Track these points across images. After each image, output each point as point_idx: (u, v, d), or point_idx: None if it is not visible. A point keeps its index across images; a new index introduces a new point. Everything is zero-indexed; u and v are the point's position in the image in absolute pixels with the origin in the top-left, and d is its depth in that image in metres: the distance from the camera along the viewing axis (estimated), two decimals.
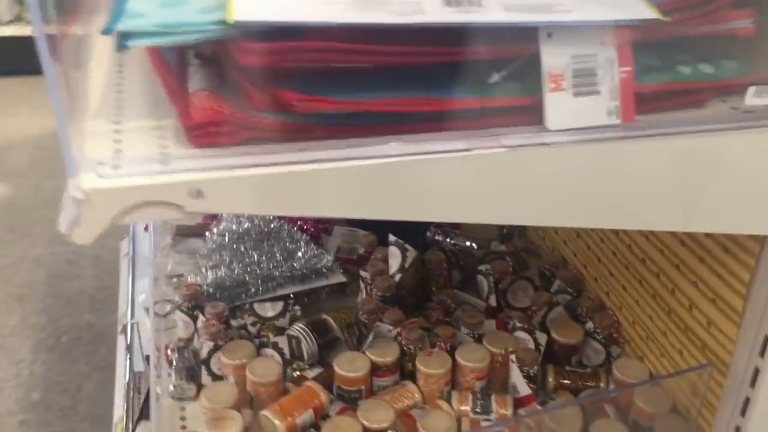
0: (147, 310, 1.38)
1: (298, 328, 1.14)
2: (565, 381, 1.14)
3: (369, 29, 0.63)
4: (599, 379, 1.13)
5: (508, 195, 0.68)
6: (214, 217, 1.53)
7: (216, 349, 1.12)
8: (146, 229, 2.38)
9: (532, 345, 1.16)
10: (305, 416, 1.01)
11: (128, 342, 1.82)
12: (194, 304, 1.20)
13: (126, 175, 0.60)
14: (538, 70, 0.67)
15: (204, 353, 1.13)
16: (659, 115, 0.73)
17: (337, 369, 1.08)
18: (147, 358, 1.75)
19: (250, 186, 0.61)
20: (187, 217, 0.66)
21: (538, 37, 0.67)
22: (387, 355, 1.11)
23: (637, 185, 0.71)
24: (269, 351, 1.13)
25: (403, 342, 1.13)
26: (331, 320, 1.17)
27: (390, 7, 0.64)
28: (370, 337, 1.13)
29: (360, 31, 0.63)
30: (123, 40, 0.62)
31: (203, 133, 0.64)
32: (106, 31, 0.62)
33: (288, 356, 1.13)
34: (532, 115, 0.69)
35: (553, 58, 0.67)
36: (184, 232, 1.50)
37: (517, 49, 0.67)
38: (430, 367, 1.09)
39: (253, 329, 1.18)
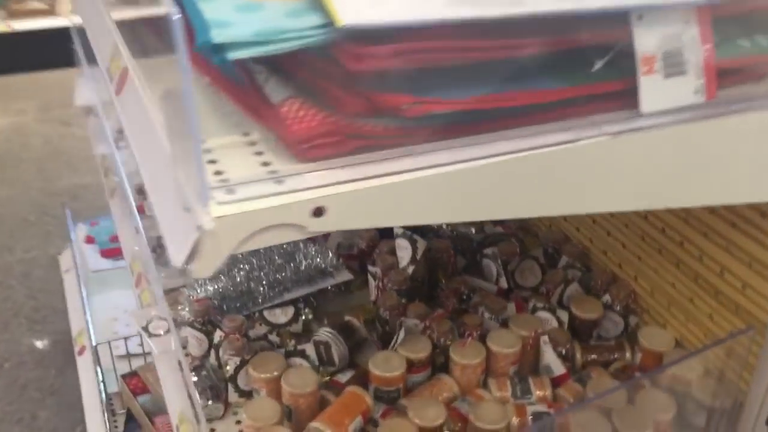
0: (146, 329, 1.30)
1: (325, 333, 1.10)
2: (592, 356, 1.15)
3: (466, 24, 0.60)
4: (624, 349, 1.15)
5: (610, 182, 0.67)
6: None
7: (243, 364, 1.07)
8: (88, 241, 2.26)
9: (555, 324, 1.16)
10: (356, 423, 0.98)
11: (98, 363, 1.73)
12: (206, 320, 1.15)
13: (244, 199, 0.56)
14: (627, 54, 0.67)
15: (230, 369, 1.07)
16: (727, 90, 0.74)
17: (373, 370, 1.06)
18: (124, 378, 1.67)
19: (374, 198, 0.58)
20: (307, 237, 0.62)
21: (629, 21, 0.66)
22: (420, 351, 1.09)
23: (720, 161, 0.71)
24: (298, 360, 1.09)
25: (433, 335, 1.11)
26: (355, 321, 1.14)
27: None
28: (401, 334, 1.11)
29: (460, 27, 0.60)
30: (220, 52, 0.57)
31: (310, 147, 0.60)
32: (202, 44, 0.57)
33: (317, 363, 1.10)
34: (621, 99, 0.68)
35: (646, 41, 0.66)
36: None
37: (610, 34, 0.66)
38: (466, 357, 1.08)
39: (275, 339, 1.13)
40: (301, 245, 1.31)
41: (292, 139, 0.60)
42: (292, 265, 1.28)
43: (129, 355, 1.71)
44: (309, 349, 1.10)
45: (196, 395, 0.96)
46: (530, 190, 0.62)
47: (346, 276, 1.29)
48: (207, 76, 0.74)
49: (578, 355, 1.14)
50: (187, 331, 1.16)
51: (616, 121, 0.66)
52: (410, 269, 1.23)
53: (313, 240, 1.35)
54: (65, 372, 2.24)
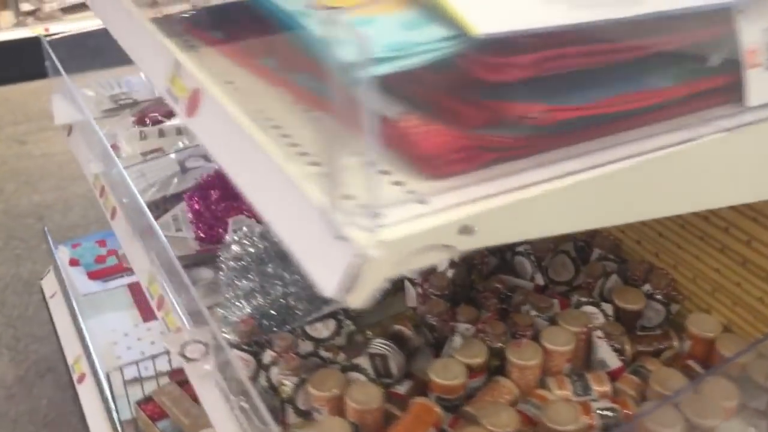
0: (183, 356, 1.26)
1: (380, 345, 1.08)
2: (639, 346, 1.15)
3: (589, 28, 0.59)
4: (671, 338, 1.16)
5: (726, 177, 0.66)
6: (210, 240, 1.43)
7: (302, 383, 1.04)
8: (73, 263, 2.19)
9: (601, 317, 1.16)
10: None
11: (110, 390, 1.67)
12: (253, 340, 1.11)
13: (394, 223, 0.53)
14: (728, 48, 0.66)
15: (288, 390, 1.04)
16: None
17: (435, 378, 1.04)
18: (139, 404, 1.62)
19: (522, 211, 0.56)
20: None
21: (731, 16, 0.66)
22: (477, 356, 1.08)
23: None
24: (354, 374, 1.07)
25: (487, 338, 1.10)
26: (406, 330, 1.12)
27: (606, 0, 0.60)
28: (456, 340, 1.09)
29: (583, 31, 0.59)
30: (345, 71, 0.55)
31: (445, 162, 0.58)
32: (338, 64, 0.54)
33: (373, 376, 1.07)
34: (722, 95, 0.68)
35: (749, 34, 0.66)
36: (182, 264, 1.38)
37: (714, 30, 0.66)
38: (524, 358, 1.07)
39: (327, 354, 1.11)
40: None
41: (423, 156, 0.58)
42: None
43: (141, 379, 1.65)
44: (364, 362, 1.07)
45: (269, 418, 0.93)
46: (664, 190, 0.62)
47: None
48: (290, 94, 0.72)
49: (627, 347, 1.14)
50: (232, 353, 1.12)
51: (726, 117, 0.66)
52: (450, 273, 1.21)
53: None
54: (57, 401, 2.16)
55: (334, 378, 1.04)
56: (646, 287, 1.21)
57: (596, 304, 1.17)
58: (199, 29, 0.83)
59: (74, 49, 2.04)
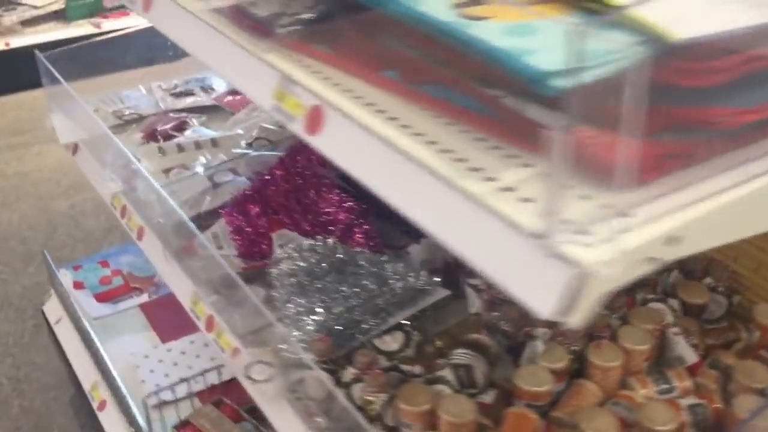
0: (249, 377, 1.21)
1: (463, 355, 1.06)
2: (709, 340, 1.16)
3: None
4: (738, 329, 1.17)
5: None
6: (253, 257, 1.39)
7: (390, 399, 1.02)
8: (77, 287, 2.12)
9: (669, 313, 1.16)
10: None
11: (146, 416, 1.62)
12: (330, 358, 1.08)
13: (605, 239, 0.52)
14: None
15: (376, 407, 1.02)
16: None
17: (524, 386, 1.02)
18: (176, 428, 1.57)
19: (724, 216, 0.55)
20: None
21: None
22: (560, 360, 1.07)
23: None
24: (439, 387, 1.05)
25: (566, 342, 1.09)
26: (484, 338, 1.10)
27: None
28: (539, 345, 1.08)
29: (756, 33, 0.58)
30: (546, 80, 0.53)
31: (635, 172, 0.56)
32: (533, 75, 0.53)
33: (458, 387, 1.06)
34: None
35: None
36: (228, 283, 1.34)
37: None
38: (607, 359, 1.06)
39: (408, 368, 1.08)
40: (387, 266, 1.26)
41: (610, 167, 0.56)
42: (384, 287, 1.23)
43: (177, 401, 1.60)
44: (448, 374, 1.06)
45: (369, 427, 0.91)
46: None
47: (443, 293, 1.25)
48: (430, 108, 0.69)
49: (700, 342, 1.15)
50: (306, 372, 1.09)
51: None
52: None
53: (398, 258, 1.30)
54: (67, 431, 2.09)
55: (423, 392, 1.02)
56: (707, 280, 1.21)
57: (663, 300, 1.17)
58: (300, 42, 0.80)
59: (61, 63, 1.97)
